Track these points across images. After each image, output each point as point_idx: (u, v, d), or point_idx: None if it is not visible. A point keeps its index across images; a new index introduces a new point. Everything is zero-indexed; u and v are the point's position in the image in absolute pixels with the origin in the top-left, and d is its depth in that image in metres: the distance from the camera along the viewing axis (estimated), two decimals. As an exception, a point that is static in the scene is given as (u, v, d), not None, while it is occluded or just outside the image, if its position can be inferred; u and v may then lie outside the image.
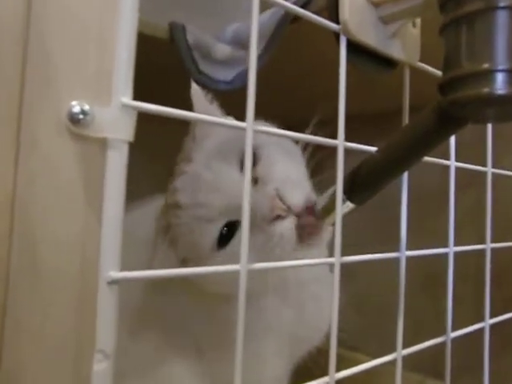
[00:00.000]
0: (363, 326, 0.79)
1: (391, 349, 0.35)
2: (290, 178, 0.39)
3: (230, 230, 0.39)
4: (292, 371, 0.52)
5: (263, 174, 0.39)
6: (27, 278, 0.20)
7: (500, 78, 0.25)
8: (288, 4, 0.28)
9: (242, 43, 0.56)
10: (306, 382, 0.28)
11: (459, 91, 0.25)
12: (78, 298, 0.21)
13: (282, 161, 0.40)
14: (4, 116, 0.20)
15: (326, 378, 0.29)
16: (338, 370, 0.30)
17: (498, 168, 0.48)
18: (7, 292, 0.20)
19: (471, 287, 0.55)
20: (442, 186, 0.41)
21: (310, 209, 0.37)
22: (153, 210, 0.45)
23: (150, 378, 0.45)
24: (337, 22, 0.31)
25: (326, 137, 0.30)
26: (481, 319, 0.45)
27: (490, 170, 0.44)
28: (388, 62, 0.35)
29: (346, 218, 0.32)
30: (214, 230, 0.39)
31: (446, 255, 0.40)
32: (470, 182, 0.60)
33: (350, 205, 0.32)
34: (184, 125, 0.45)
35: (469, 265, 0.50)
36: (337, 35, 0.31)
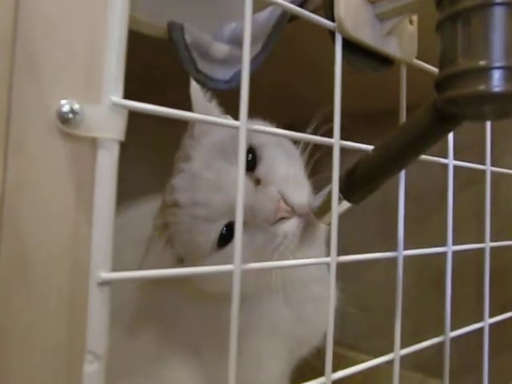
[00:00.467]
0: (366, 326, 0.79)
1: (393, 348, 0.35)
2: (292, 178, 0.39)
3: (230, 230, 0.39)
4: (292, 372, 0.52)
5: (265, 175, 0.39)
6: (16, 280, 0.20)
7: (497, 75, 0.24)
8: (286, 3, 0.28)
9: (240, 42, 0.55)
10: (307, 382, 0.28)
11: (455, 89, 0.25)
12: (69, 299, 0.21)
13: (283, 161, 0.40)
14: (-7, 116, 0.20)
15: (322, 379, 0.28)
16: (341, 369, 0.30)
17: (499, 167, 0.47)
18: (-3, 293, 0.20)
19: (472, 287, 0.55)
20: (443, 185, 0.41)
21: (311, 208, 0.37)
22: (150, 209, 0.45)
23: (147, 379, 0.45)
24: (332, 19, 0.30)
25: (330, 136, 0.30)
26: (482, 319, 0.45)
27: (488, 168, 0.44)
28: (384, 60, 0.34)
29: (350, 219, 0.32)
30: (214, 230, 0.39)
31: (446, 254, 0.40)
32: (470, 181, 0.60)
33: (346, 204, 0.32)
34: (185, 124, 0.45)
35: (470, 264, 0.50)
36: (332, 33, 0.31)
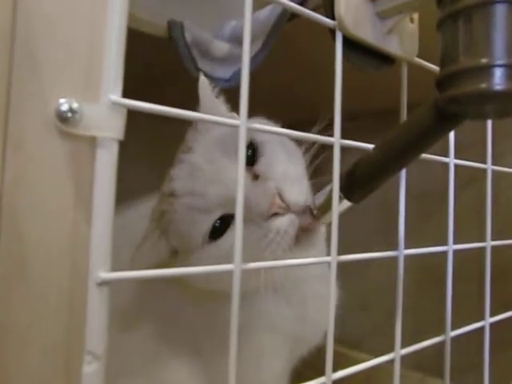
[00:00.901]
0: (367, 324, 0.79)
1: (394, 348, 0.35)
2: (291, 176, 0.38)
3: (223, 223, 0.39)
4: (292, 370, 0.52)
5: (264, 171, 0.39)
6: (15, 279, 0.20)
7: (498, 73, 0.24)
8: (286, 1, 0.28)
9: (240, 41, 0.55)
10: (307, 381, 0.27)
11: (457, 87, 0.25)
12: (68, 299, 0.21)
13: (283, 159, 0.40)
14: (-9, 115, 0.20)
15: (322, 379, 0.28)
16: (342, 368, 0.30)
17: (501, 166, 0.47)
18: (-5, 294, 0.20)
19: (473, 285, 0.55)
20: (444, 184, 0.41)
21: (308, 208, 0.37)
22: (149, 208, 0.44)
23: (147, 378, 0.45)
24: (332, 17, 0.30)
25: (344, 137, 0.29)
26: (482, 318, 0.44)
27: (489, 167, 0.44)
28: (385, 58, 0.34)
29: (350, 218, 0.32)
30: (208, 222, 0.38)
31: (447, 253, 0.40)
32: (471, 180, 0.60)
33: (347, 203, 0.32)
34: (185, 123, 0.45)
35: (471, 263, 0.50)
36: (333, 31, 0.30)
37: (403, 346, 0.35)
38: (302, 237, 0.38)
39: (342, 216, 0.32)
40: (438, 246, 0.39)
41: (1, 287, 0.20)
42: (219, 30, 0.59)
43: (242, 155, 0.24)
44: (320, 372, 0.29)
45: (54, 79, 0.20)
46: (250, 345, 0.45)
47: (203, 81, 0.44)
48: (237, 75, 0.51)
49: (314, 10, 0.30)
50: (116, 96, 0.21)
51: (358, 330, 0.80)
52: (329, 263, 0.29)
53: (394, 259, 0.35)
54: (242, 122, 0.24)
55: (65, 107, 0.20)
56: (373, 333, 0.76)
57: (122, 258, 0.37)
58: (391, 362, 0.35)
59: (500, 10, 0.24)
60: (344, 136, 0.30)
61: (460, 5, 0.25)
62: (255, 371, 0.45)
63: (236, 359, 0.24)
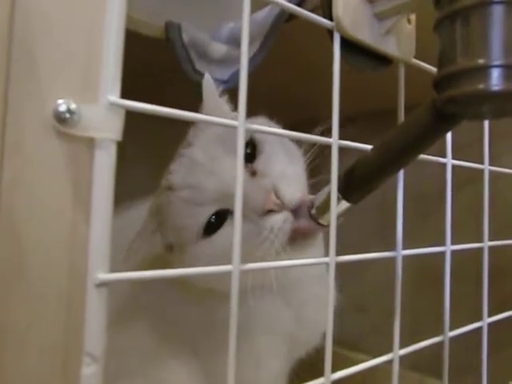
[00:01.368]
0: (366, 325, 0.79)
1: (392, 348, 0.35)
2: (288, 175, 0.39)
3: (218, 219, 0.38)
4: (291, 371, 0.52)
5: (262, 168, 0.39)
6: (14, 280, 0.20)
7: (495, 73, 0.24)
8: (284, 2, 0.28)
9: (237, 42, 0.55)
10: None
11: (454, 88, 0.25)
12: (67, 301, 0.21)
13: (282, 158, 0.40)
14: (-11, 116, 0.20)
15: (321, 379, 0.28)
16: (340, 369, 0.29)
17: (498, 167, 0.47)
18: (-6, 295, 0.20)
19: (472, 286, 0.55)
20: (442, 185, 0.41)
21: (304, 208, 0.37)
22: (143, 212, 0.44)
23: (145, 379, 0.45)
24: (330, 18, 0.30)
25: (343, 138, 0.29)
26: (481, 318, 0.45)
27: (487, 167, 0.44)
28: (383, 59, 0.34)
29: (348, 219, 0.32)
30: (203, 216, 0.38)
31: (445, 254, 0.40)
32: (469, 181, 0.60)
33: (345, 204, 0.32)
34: (184, 124, 0.45)
35: (469, 263, 0.50)
36: (330, 32, 0.31)
37: (401, 346, 0.35)
38: (298, 237, 0.38)
39: (343, 218, 0.32)
40: (435, 246, 0.39)
41: (-1, 289, 0.20)
42: (217, 31, 0.59)
43: (241, 155, 0.24)
44: (319, 373, 0.29)
45: (51, 80, 0.20)
46: (248, 345, 0.45)
47: (207, 79, 0.44)
48: (235, 76, 0.51)
49: (311, 10, 0.30)
50: (114, 97, 0.21)
51: (357, 330, 0.80)
52: (327, 264, 0.29)
53: (392, 260, 0.36)
54: (240, 122, 0.24)
55: (63, 108, 0.20)
56: (371, 334, 0.76)
57: (120, 259, 0.37)
58: (389, 362, 0.35)
59: (497, 11, 0.25)
60: (342, 137, 0.30)
61: (457, 5, 0.25)
62: (253, 372, 0.45)
63: (235, 360, 0.24)
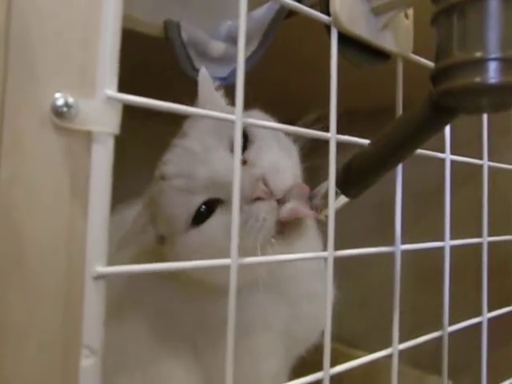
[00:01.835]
0: (366, 323, 0.79)
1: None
2: (278, 166, 0.39)
3: (208, 209, 0.39)
4: (291, 369, 0.52)
5: (253, 158, 0.39)
6: (12, 274, 0.20)
7: (492, 66, 0.24)
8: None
9: (235, 40, 0.55)
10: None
11: (451, 80, 0.25)
12: (65, 294, 0.21)
13: (273, 150, 0.40)
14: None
15: (320, 374, 0.28)
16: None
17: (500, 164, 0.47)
18: (-8, 288, 0.20)
19: (472, 284, 0.55)
20: (442, 183, 0.41)
21: (294, 196, 0.37)
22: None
23: (143, 375, 0.45)
24: (328, 14, 0.30)
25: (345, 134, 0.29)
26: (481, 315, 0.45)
27: (486, 163, 0.44)
28: (381, 54, 0.34)
29: (348, 216, 0.32)
30: (193, 204, 0.38)
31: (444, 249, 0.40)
32: (469, 178, 0.60)
33: (343, 198, 0.32)
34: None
35: (470, 260, 0.50)
36: (328, 27, 0.31)
37: (402, 343, 0.35)
38: (286, 229, 0.38)
39: (339, 214, 0.32)
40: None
41: (-3, 282, 0.20)
42: (215, 30, 0.59)
43: (238, 148, 0.24)
44: (319, 371, 0.29)
45: (49, 74, 0.20)
46: (246, 342, 0.44)
47: (203, 73, 0.44)
48: (234, 74, 0.51)
49: (310, 7, 0.30)
50: (111, 91, 0.21)
51: (357, 328, 0.80)
52: (325, 259, 0.29)
53: (392, 258, 0.35)
54: (237, 116, 0.24)
55: (60, 102, 0.20)
56: (371, 331, 0.76)
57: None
58: (390, 358, 0.35)
59: (493, 4, 0.25)
60: (341, 134, 0.30)
61: (454, 0, 0.25)
62: (251, 368, 0.45)
63: (233, 356, 0.24)
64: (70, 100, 0.20)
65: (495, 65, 0.24)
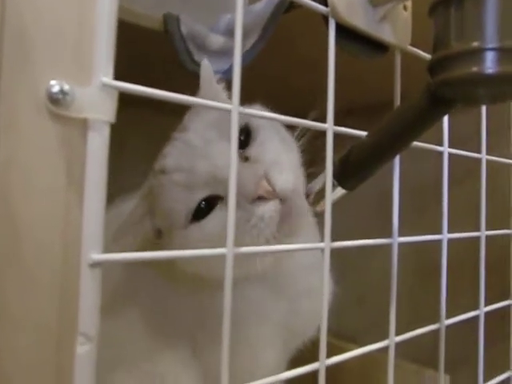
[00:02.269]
0: (365, 319, 0.79)
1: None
2: (281, 162, 0.38)
3: (208, 205, 0.38)
4: (288, 362, 0.52)
5: (255, 154, 0.39)
6: (7, 262, 0.20)
7: (490, 56, 0.24)
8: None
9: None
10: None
11: (448, 71, 0.25)
12: (60, 281, 0.21)
13: (276, 145, 0.40)
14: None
15: (316, 364, 0.28)
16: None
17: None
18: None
19: (470, 280, 0.55)
20: (441, 179, 0.41)
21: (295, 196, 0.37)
22: None
23: (141, 371, 0.45)
24: (325, 5, 0.30)
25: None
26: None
27: (484, 156, 0.44)
28: (379, 47, 0.34)
29: (348, 213, 0.32)
30: (193, 200, 0.38)
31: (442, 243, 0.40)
32: (468, 174, 0.60)
33: (341, 190, 0.32)
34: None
35: (468, 255, 0.50)
36: (326, 18, 0.30)
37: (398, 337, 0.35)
38: (286, 225, 0.37)
39: (338, 208, 0.32)
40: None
41: (-8, 268, 0.20)
42: (215, 23, 0.59)
43: (235, 139, 0.24)
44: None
45: (44, 61, 0.20)
46: (243, 336, 0.44)
47: (205, 65, 0.43)
48: (232, 68, 0.51)
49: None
50: (107, 78, 0.21)
51: (355, 324, 0.80)
52: (322, 250, 0.29)
53: (392, 255, 0.35)
54: (234, 106, 0.24)
55: (56, 89, 0.20)
56: (369, 327, 0.76)
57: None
58: (387, 353, 0.35)
59: (491, -5, 0.25)
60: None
61: (452, -10, 0.25)
62: (249, 362, 0.45)
63: (229, 350, 0.24)
64: (66, 87, 0.20)
65: (492, 55, 0.24)
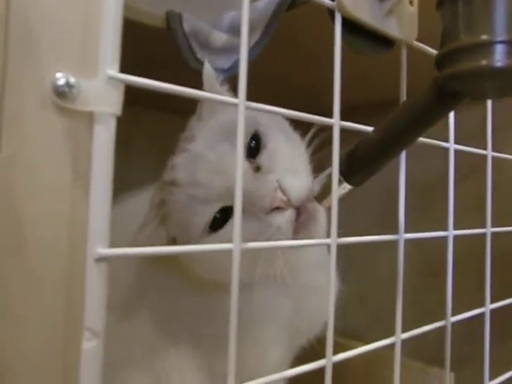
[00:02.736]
0: (371, 318, 0.79)
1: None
2: (293, 169, 0.38)
3: (223, 215, 0.38)
4: (293, 359, 0.52)
5: (267, 163, 0.39)
6: (13, 257, 0.20)
7: (499, 49, 0.24)
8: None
9: (238, 31, 0.55)
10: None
11: (457, 64, 0.25)
12: (66, 276, 0.20)
13: (286, 151, 0.40)
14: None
15: (323, 361, 0.28)
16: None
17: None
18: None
19: (476, 278, 0.54)
20: (447, 177, 0.40)
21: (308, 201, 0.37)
22: (146, 199, 0.44)
23: (148, 370, 0.44)
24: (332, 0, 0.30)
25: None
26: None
27: (489, 153, 0.44)
28: (385, 42, 0.34)
29: (353, 211, 0.31)
30: (208, 213, 0.38)
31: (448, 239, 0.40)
32: (473, 170, 0.60)
33: (347, 186, 0.32)
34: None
35: (475, 252, 0.49)
36: (332, 13, 0.30)
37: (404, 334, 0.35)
38: (301, 230, 0.37)
39: (344, 207, 0.31)
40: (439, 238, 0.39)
41: (-2, 263, 0.20)
42: (218, 20, 0.59)
43: (241, 135, 0.24)
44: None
45: (50, 54, 0.20)
46: (250, 334, 0.44)
47: (207, 68, 0.43)
48: (235, 65, 0.51)
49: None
50: (113, 71, 0.21)
51: (361, 322, 0.79)
52: (328, 246, 0.29)
53: (398, 251, 0.35)
54: (240, 100, 0.24)
55: (61, 82, 0.20)
56: (375, 325, 0.76)
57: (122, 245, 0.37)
58: (392, 351, 0.34)
59: (500, -13, 0.24)
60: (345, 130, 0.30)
61: (460, -17, 0.25)
62: (255, 360, 0.45)
63: (235, 349, 0.24)
64: (72, 80, 0.20)
65: (502, 48, 0.24)
